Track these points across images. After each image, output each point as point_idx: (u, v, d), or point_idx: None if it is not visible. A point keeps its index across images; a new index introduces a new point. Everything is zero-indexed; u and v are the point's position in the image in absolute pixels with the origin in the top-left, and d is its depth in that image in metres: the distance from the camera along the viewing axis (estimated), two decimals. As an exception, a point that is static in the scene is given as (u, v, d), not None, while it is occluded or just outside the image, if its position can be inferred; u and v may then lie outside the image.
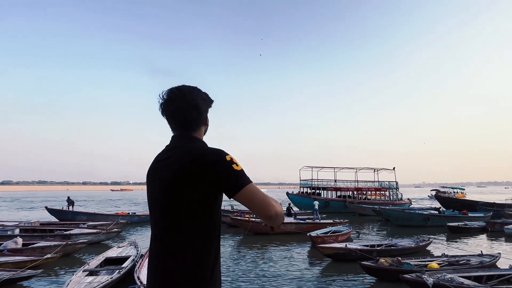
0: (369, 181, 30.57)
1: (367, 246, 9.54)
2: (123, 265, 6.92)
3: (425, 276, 5.68)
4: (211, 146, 1.11)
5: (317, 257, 9.47)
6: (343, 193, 29.38)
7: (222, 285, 1.09)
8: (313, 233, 11.59)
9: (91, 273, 6.48)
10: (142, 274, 6.02)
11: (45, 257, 7.62)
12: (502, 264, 7.79)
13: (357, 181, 30.13)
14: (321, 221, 15.69)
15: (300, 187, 29.58)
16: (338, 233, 12.04)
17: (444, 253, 8.40)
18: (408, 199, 32.77)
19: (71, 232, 11.54)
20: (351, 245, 9.28)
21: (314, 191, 28.86)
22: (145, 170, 1.17)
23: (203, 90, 1.21)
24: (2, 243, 8.86)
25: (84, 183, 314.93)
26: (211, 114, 1.25)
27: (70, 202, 20.68)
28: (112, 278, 6.03)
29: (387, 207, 21.42)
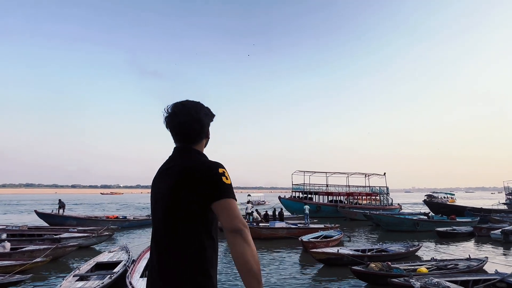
0: (360, 186, 30.96)
1: (358, 251, 9.68)
2: (115, 270, 6.87)
3: (413, 281, 5.82)
4: (210, 159, 1.20)
5: (308, 262, 9.54)
6: (334, 198, 29.63)
7: None
8: (305, 238, 11.68)
9: (82, 278, 6.40)
10: (134, 279, 5.99)
11: (34, 260, 7.52)
12: (489, 268, 8.02)
13: (349, 186, 30.45)
14: (313, 226, 15.76)
15: (292, 191, 29.70)
16: (329, 239, 12.17)
17: (433, 257, 8.57)
18: (398, 204, 33.22)
19: (61, 236, 11.38)
20: (343, 250, 9.42)
21: (306, 195, 29.03)
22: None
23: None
24: (-12, 248, 8.68)
25: (73, 186, 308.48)
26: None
27: (62, 204, 20.35)
28: (103, 283, 5.99)
29: (377, 212, 21.70)
